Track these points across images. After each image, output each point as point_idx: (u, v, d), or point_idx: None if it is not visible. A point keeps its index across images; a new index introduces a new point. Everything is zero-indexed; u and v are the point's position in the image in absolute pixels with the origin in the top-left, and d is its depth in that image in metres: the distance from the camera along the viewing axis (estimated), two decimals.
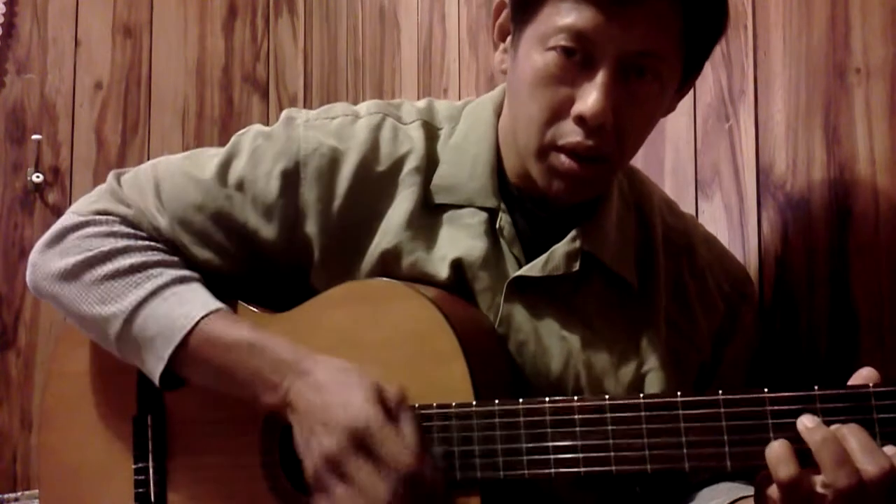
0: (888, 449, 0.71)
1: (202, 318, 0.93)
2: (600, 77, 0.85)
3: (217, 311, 0.94)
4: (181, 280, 0.97)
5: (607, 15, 0.83)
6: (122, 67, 2.72)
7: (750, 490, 0.84)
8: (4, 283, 2.50)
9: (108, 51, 2.71)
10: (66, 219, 1.03)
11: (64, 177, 2.60)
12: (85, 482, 1.06)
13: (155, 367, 0.94)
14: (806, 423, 0.73)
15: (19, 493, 2.33)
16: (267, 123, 1.04)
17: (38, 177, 2.55)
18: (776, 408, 0.74)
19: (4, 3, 2.57)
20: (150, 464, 1.02)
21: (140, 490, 1.02)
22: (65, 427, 1.08)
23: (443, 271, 0.95)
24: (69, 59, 2.65)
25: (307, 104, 2.86)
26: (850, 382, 0.74)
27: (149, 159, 2.82)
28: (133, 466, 1.03)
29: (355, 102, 1.05)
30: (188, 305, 0.94)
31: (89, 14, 2.68)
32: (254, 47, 2.94)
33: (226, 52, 2.89)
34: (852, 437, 0.71)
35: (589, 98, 0.85)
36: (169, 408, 1.02)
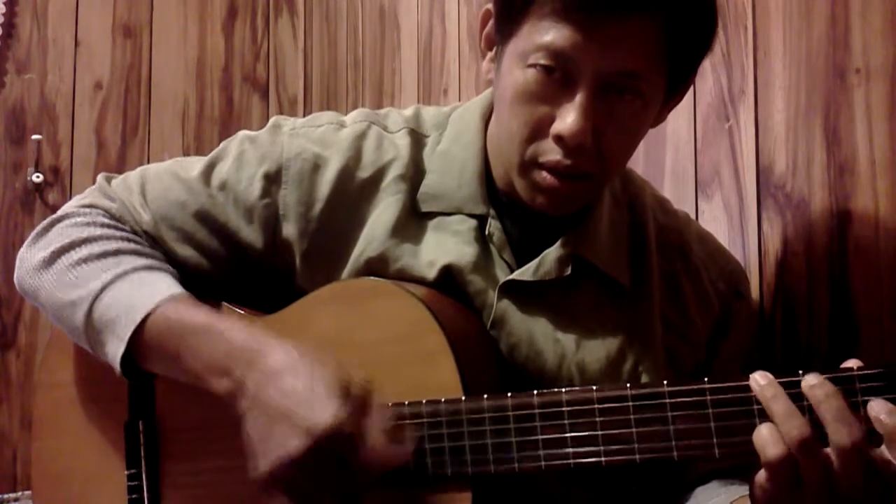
0: (875, 404, 0.71)
1: (163, 300, 0.91)
2: (579, 97, 0.84)
3: (179, 295, 0.93)
4: (151, 268, 0.96)
5: (586, 34, 0.82)
6: (122, 67, 2.72)
7: (746, 489, 0.84)
8: (4, 284, 2.50)
9: (108, 51, 2.71)
10: (54, 214, 1.03)
11: (64, 177, 2.61)
12: (78, 489, 1.05)
13: (116, 351, 0.92)
14: (758, 378, 0.74)
15: (19, 494, 2.33)
16: (266, 124, 1.04)
17: (38, 177, 2.56)
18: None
19: (4, 3, 2.57)
20: (143, 470, 1.02)
21: (133, 496, 1.01)
22: (56, 435, 1.07)
23: (430, 276, 0.94)
24: (69, 59, 2.65)
25: (307, 104, 2.86)
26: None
27: (149, 159, 2.83)
28: (126, 473, 1.02)
29: (355, 102, 1.06)
30: (151, 288, 0.93)
31: (89, 14, 2.68)
32: (254, 47, 2.94)
33: (226, 52, 2.89)
34: (826, 402, 0.71)
35: (568, 118, 0.84)
36: (160, 413, 1.02)
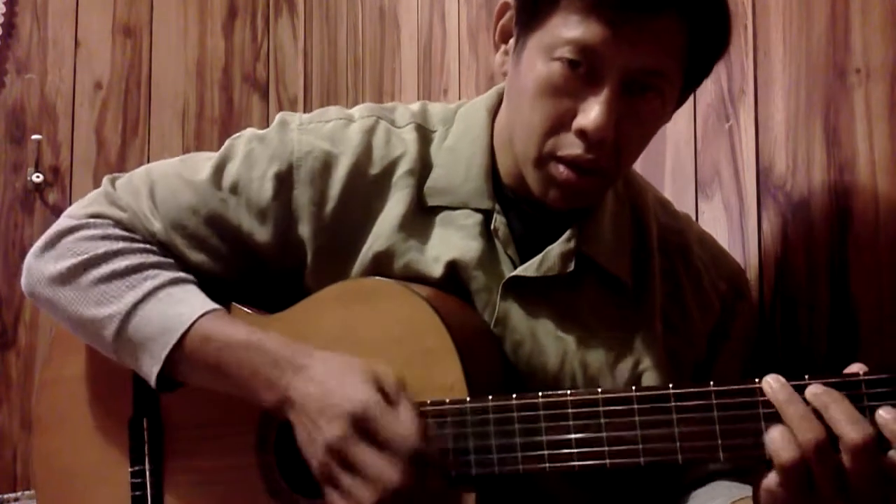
0: (884, 411, 0.70)
1: (198, 318, 0.93)
2: (605, 93, 0.85)
3: (213, 311, 0.94)
4: (177, 281, 0.97)
5: (615, 31, 0.83)
6: (122, 67, 2.72)
7: (748, 490, 0.84)
8: (4, 284, 2.50)
9: (108, 51, 2.71)
10: (61, 223, 1.03)
11: (64, 177, 2.61)
12: (81, 486, 1.06)
13: (151, 369, 0.94)
14: (771, 382, 0.73)
15: (19, 493, 2.33)
16: (267, 124, 1.04)
17: (38, 177, 2.56)
18: (767, 398, 0.74)
19: (4, 3, 2.57)
20: (147, 467, 1.02)
21: (137, 493, 1.01)
22: (60, 432, 1.08)
23: (436, 272, 0.95)
24: (69, 59, 2.65)
25: (307, 104, 2.86)
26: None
27: (149, 160, 2.82)
28: (129, 470, 1.02)
29: (355, 102, 1.06)
30: (183, 305, 0.94)
31: (89, 14, 2.68)
32: (254, 47, 2.94)
33: (226, 52, 2.89)
34: (835, 405, 0.71)
35: (592, 112, 0.85)
36: (165, 411, 1.02)
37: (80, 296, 0.97)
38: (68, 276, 0.98)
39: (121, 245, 0.99)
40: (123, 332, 0.94)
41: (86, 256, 0.98)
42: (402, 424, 0.81)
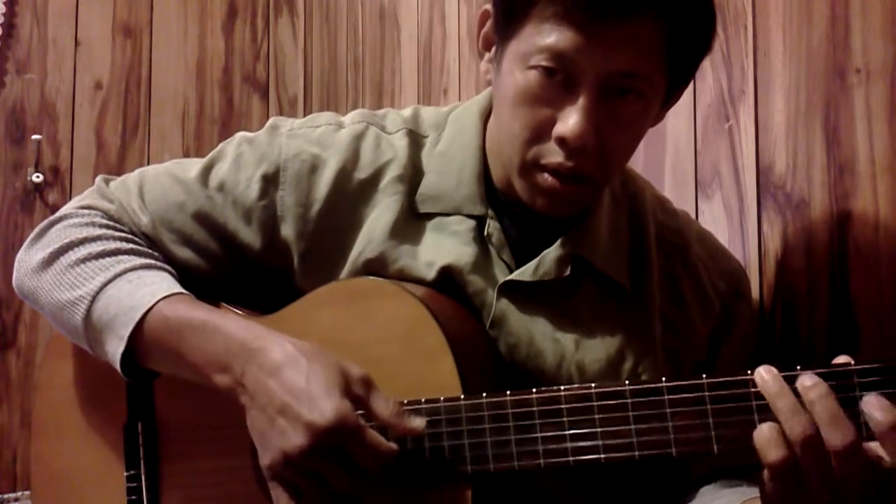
0: (869, 399, 0.70)
1: (161, 298, 0.91)
2: (582, 99, 0.84)
3: (178, 293, 0.93)
4: (150, 266, 0.97)
5: (588, 36, 0.82)
6: (122, 67, 2.72)
7: (754, 492, 0.84)
8: (4, 284, 2.50)
9: (108, 51, 2.71)
10: (52, 216, 1.04)
11: (64, 177, 2.61)
12: (77, 491, 1.06)
13: (116, 350, 0.92)
14: (763, 373, 0.73)
15: (19, 494, 2.33)
16: (266, 124, 1.04)
17: (38, 177, 2.56)
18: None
19: (4, 3, 2.57)
20: (142, 471, 1.02)
21: (133, 497, 1.01)
22: (56, 437, 1.08)
23: (430, 277, 0.94)
24: (69, 59, 2.65)
25: (307, 104, 2.86)
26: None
27: (149, 160, 2.83)
28: (125, 474, 1.02)
29: (355, 103, 1.06)
30: (151, 287, 0.93)
31: (89, 14, 2.68)
32: (254, 47, 2.94)
33: (226, 52, 2.89)
34: (819, 401, 0.70)
35: (570, 120, 0.84)
36: (159, 414, 1.02)
37: (56, 280, 0.97)
38: (48, 262, 0.98)
39: (101, 231, 0.99)
40: (92, 313, 0.93)
41: (66, 241, 0.98)
42: (373, 440, 0.79)
